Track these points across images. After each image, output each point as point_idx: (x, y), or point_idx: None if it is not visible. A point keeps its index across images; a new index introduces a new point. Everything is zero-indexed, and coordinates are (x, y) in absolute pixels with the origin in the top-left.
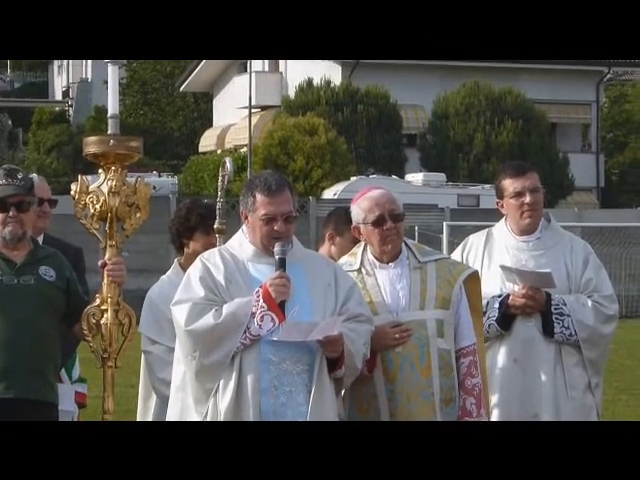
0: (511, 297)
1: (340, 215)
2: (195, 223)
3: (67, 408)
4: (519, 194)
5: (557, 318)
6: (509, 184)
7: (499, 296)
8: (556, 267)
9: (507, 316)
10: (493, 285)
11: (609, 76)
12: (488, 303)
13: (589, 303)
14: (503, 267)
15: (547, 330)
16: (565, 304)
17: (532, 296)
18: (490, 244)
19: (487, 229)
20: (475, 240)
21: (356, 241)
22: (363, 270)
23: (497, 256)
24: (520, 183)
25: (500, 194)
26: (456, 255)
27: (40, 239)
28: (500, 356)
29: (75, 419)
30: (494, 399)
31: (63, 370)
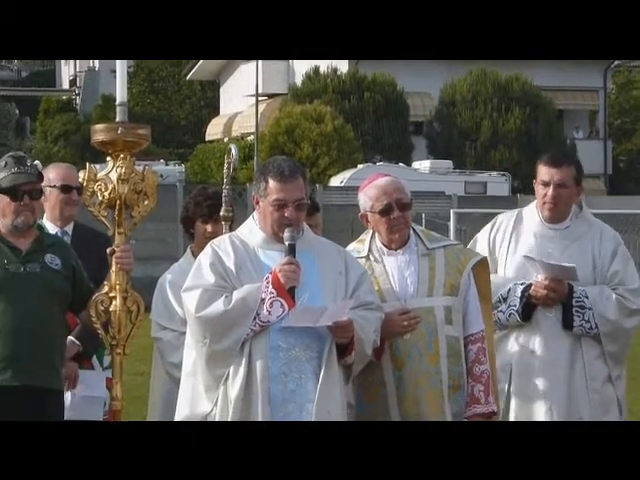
0: (533, 287)
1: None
2: (192, 212)
3: (99, 394)
4: (545, 184)
5: (577, 311)
6: (541, 170)
7: (522, 284)
8: (583, 258)
9: (528, 306)
10: (517, 270)
11: (616, 62)
12: (510, 289)
13: (613, 296)
14: (527, 257)
15: (566, 323)
16: (587, 297)
17: (554, 288)
18: (519, 228)
19: (518, 210)
20: (504, 221)
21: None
22: (371, 257)
23: (524, 242)
24: (550, 174)
25: (535, 176)
26: (484, 234)
27: (70, 227)
28: (518, 346)
29: (107, 403)
30: (512, 388)
31: (95, 357)
